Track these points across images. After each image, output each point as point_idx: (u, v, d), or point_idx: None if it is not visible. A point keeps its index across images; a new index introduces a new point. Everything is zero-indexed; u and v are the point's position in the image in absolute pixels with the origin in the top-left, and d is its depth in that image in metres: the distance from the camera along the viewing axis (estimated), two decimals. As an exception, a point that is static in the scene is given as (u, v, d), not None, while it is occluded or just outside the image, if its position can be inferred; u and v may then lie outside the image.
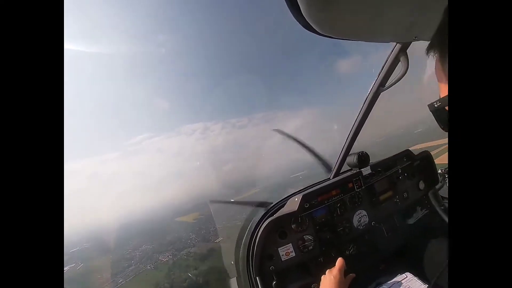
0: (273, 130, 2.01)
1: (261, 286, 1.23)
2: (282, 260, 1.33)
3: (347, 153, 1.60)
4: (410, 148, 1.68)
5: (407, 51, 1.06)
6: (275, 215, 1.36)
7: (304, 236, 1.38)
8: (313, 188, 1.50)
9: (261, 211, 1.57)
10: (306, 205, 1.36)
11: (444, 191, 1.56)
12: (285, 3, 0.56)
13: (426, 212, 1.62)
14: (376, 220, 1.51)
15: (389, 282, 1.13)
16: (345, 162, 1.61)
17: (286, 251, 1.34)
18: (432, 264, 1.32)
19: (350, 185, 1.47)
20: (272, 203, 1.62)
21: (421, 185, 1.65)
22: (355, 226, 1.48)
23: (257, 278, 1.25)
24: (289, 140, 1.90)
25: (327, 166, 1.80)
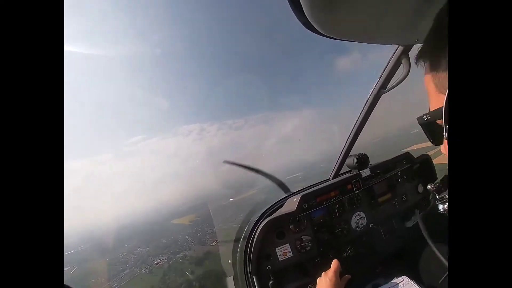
0: (223, 161, 1.85)
1: (257, 285, 1.22)
2: (280, 260, 1.32)
3: (346, 154, 1.60)
4: (407, 149, 1.69)
5: (409, 54, 1.07)
6: (273, 215, 1.35)
7: (302, 237, 1.37)
8: (312, 188, 1.50)
9: (259, 211, 1.56)
10: (305, 205, 1.36)
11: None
12: (287, 3, 0.56)
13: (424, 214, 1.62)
14: (374, 222, 1.50)
15: (385, 284, 1.12)
16: (345, 164, 1.61)
17: (284, 251, 1.33)
18: (429, 268, 1.31)
19: (349, 186, 1.47)
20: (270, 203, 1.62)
21: (420, 188, 1.65)
22: (353, 227, 1.47)
23: (254, 277, 1.24)
24: (240, 168, 1.73)
25: (283, 187, 1.75)
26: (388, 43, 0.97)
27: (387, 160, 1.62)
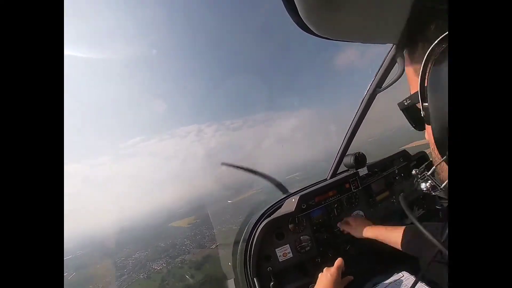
0: (221, 164, 1.86)
1: (258, 287, 1.22)
2: (280, 261, 1.32)
3: (344, 153, 1.61)
4: (405, 147, 1.70)
5: (404, 52, 1.08)
6: (272, 216, 1.35)
7: (301, 237, 1.37)
8: (310, 188, 1.50)
9: (258, 212, 1.56)
10: (303, 205, 1.36)
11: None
12: (282, 4, 0.56)
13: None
14: (373, 221, 1.51)
15: (385, 281, 1.12)
16: (342, 163, 1.62)
17: (284, 252, 1.33)
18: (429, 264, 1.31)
19: (347, 185, 1.48)
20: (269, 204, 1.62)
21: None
22: None
23: (254, 279, 1.24)
24: (238, 170, 1.73)
25: (281, 188, 1.76)
26: (383, 42, 0.98)
27: (384, 158, 1.63)
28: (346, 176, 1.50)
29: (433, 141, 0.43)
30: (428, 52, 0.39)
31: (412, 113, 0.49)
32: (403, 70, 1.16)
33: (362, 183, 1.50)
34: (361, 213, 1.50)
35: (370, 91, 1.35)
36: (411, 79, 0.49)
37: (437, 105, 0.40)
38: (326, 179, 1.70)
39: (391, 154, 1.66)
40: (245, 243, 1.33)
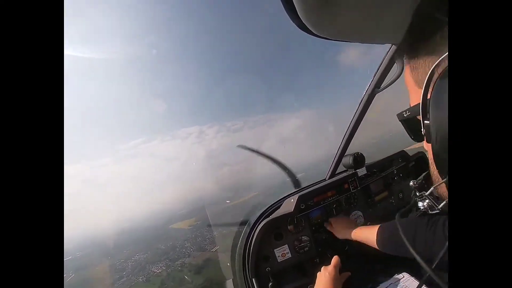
0: (237, 146, 1.86)
1: (257, 287, 1.22)
2: (278, 261, 1.31)
3: (342, 154, 1.61)
4: (406, 149, 1.70)
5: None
6: (271, 216, 1.35)
7: (300, 237, 1.37)
8: (309, 189, 1.50)
9: (257, 213, 1.56)
10: (302, 206, 1.36)
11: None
12: (281, 4, 0.57)
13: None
14: (372, 221, 1.51)
15: (385, 282, 1.12)
16: (341, 163, 1.62)
17: (282, 252, 1.33)
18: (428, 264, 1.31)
19: (346, 186, 1.48)
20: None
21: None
22: None
23: (253, 279, 1.24)
24: (254, 154, 1.76)
25: (294, 180, 1.77)
26: (382, 42, 0.98)
27: (383, 159, 1.63)
28: (345, 176, 1.50)
29: (433, 160, 0.41)
30: (434, 66, 0.36)
31: (412, 125, 0.46)
32: (402, 70, 1.16)
33: (361, 184, 1.50)
34: (360, 213, 1.50)
35: (369, 91, 1.36)
36: (412, 90, 0.45)
37: (439, 123, 0.37)
38: (325, 179, 1.70)
39: (390, 155, 1.66)
40: (244, 244, 1.33)
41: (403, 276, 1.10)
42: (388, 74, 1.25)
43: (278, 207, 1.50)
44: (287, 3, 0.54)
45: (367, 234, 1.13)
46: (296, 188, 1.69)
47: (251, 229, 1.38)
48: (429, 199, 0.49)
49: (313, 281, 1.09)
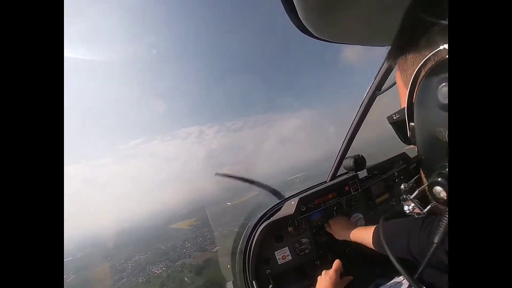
0: (215, 174, 1.83)
1: None
2: (279, 263, 1.31)
3: (343, 156, 1.61)
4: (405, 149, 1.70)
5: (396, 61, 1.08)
6: (272, 218, 1.35)
7: (301, 240, 1.37)
8: (310, 191, 1.50)
9: (258, 215, 1.55)
10: (303, 208, 1.35)
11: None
12: (282, 7, 0.57)
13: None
14: (372, 223, 1.50)
15: (386, 284, 1.11)
16: (342, 165, 1.62)
17: (283, 255, 1.33)
18: (429, 266, 1.30)
19: (347, 188, 1.47)
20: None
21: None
22: None
23: (253, 282, 1.24)
24: (232, 179, 1.71)
25: (275, 193, 1.76)
26: (383, 45, 0.98)
27: (384, 161, 1.63)
28: (346, 178, 1.49)
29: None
30: (418, 66, 0.36)
31: (401, 128, 0.46)
32: None
33: (362, 186, 1.50)
34: (361, 215, 1.49)
35: (370, 94, 1.36)
36: (402, 92, 0.45)
37: (422, 125, 0.37)
38: (325, 181, 1.70)
39: (391, 157, 1.66)
40: (244, 246, 1.33)
41: (403, 279, 1.09)
42: (389, 77, 1.25)
43: (279, 209, 1.50)
44: (287, 5, 0.54)
45: (364, 235, 1.13)
46: (279, 199, 1.68)
47: (252, 231, 1.38)
48: (414, 203, 0.48)
49: (313, 284, 1.09)
